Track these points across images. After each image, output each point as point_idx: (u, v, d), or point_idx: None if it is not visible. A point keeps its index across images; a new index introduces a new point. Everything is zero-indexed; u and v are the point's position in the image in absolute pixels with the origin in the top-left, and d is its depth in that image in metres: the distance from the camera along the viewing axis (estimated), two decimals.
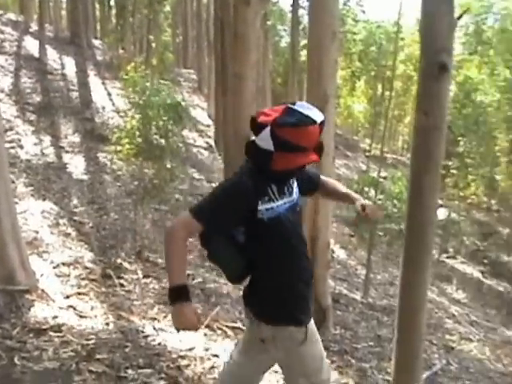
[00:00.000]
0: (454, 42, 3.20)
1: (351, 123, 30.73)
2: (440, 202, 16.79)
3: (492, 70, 19.48)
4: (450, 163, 18.01)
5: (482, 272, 13.85)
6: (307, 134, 2.05)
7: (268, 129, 2.03)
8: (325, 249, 5.59)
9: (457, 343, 7.42)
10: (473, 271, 13.68)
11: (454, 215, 15.37)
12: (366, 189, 12.10)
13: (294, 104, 2.09)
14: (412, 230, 3.24)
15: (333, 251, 7.65)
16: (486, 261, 14.52)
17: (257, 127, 2.09)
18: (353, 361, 5.12)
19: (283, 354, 2.29)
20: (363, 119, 29.68)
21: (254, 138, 2.12)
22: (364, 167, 20.94)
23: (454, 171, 17.76)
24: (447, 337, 7.60)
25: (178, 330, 2.11)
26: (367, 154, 23.26)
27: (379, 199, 10.77)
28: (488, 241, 16.00)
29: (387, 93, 27.11)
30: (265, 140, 2.05)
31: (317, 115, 2.07)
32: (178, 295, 2.06)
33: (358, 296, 8.65)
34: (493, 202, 19.57)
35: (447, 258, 13.83)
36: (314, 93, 5.26)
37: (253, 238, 2.21)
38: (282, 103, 2.13)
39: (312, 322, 2.33)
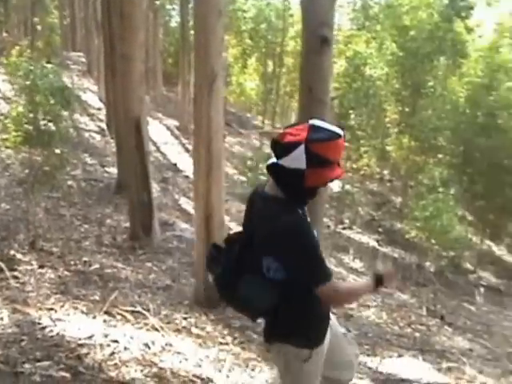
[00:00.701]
0: (343, 18, 3.13)
1: (244, 101, 30.76)
2: None
3: (380, 45, 20.04)
4: None
5: (377, 240, 14.37)
6: (337, 148, 2.15)
7: (302, 146, 2.08)
8: (220, 227, 5.64)
9: (355, 311, 7.64)
10: (368, 240, 14.18)
11: (348, 187, 15.79)
12: (261, 165, 12.14)
13: (311, 121, 2.16)
14: None
15: (229, 228, 7.58)
16: (380, 229, 15.08)
17: (285, 148, 2.12)
18: (254, 336, 5.13)
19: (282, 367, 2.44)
20: (255, 96, 29.82)
21: (278, 160, 2.16)
22: (258, 144, 21.16)
23: (347, 144, 18.21)
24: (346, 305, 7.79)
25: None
26: (260, 130, 23.52)
27: None
28: (382, 210, 16.63)
29: (278, 69, 27.57)
30: (297, 159, 2.09)
31: (339, 130, 2.17)
32: (377, 283, 2.29)
33: None
34: (385, 172, 20.31)
35: (343, 228, 14.22)
36: (202, 71, 5.28)
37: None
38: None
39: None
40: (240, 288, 2.27)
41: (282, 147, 2.14)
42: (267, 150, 12.76)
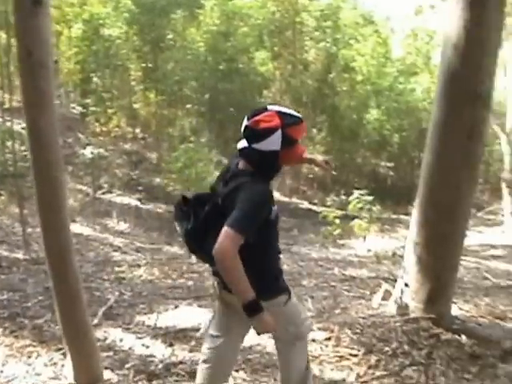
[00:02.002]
0: None
1: None
2: (86, 140, 16.78)
3: (117, 4, 19.56)
4: (88, 101, 17.98)
5: (139, 199, 14.40)
6: (303, 129, 2.62)
7: (279, 131, 2.47)
8: None
9: (127, 272, 7.64)
10: (130, 201, 14.12)
11: (101, 150, 15.47)
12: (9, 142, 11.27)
13: (273, 107, 2.55)
14: (40, 173, 3.06)
15: None
16: (140, 188, 15.10)
17: (263, 134, 2.48)
18: (26, 321, 4.93)
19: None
20: None
21: (252, 145, 2.51)
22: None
23: (94, 108, 17.80)
24: (117, 269, 7.76)
25: (260, 334, 2.55)
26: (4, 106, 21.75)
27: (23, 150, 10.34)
28: (139, 168, 16.64)
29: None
30: (273, 142, 2.48)
31: (299, 114, 2.60)
32: (257, 306, 2.41)
33: (20, 254, 8.24)
34: (137, 130, 20.25)
35: (103, 193, 13.97)
36: None
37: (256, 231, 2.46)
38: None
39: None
40: (206, 246, 2.41)
41: (258, 133, 2.48)
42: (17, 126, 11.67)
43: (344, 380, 3.91)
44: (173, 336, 4.79)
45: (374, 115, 22.21)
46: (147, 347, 4.51)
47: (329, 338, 4.60)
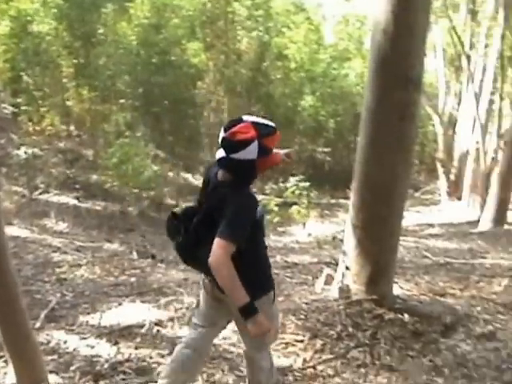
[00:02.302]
0: None
1: None
2: (19, 140, 16.35)
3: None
4: (19, 100, 17.50)
5: (77, 198, 14.14)
6: (277, 138, 2.79)
7: (256, 142, 2.64)
8: None
9: (68, 273, 7.54)
10: (68, 200, 13.83)
11: (35, 150, 15.11)
12: None
13: (247, 118, 2.73)
14: None
15: None
16: (77, 186, 14.83)
17: (240, 145, 2.64)
18: None
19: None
20: None
21: (230, 155, 2.68)
22: None
23: (25, 107, 17.34)
24: (57, 270, 7.64)
25: (257, 336, 2.69)
26: None
27: None
28: (75, 166, 16.31)
29: None
30: (250, 152, 2.65)
31: (273, 123, 2.80)
32: (252, 309, 2.59)
33: None
34: (71, 128, 19.80)
35: (40, 194, 13.67)
36: None
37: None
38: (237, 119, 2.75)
39: None
40: (200, 256, 2.65)
41: (235, 144, 2.65)
42: None
43: (291, 366, 4.03)
44: (118, 334, 4.77)
45: (309, 102, 22.53)
46: (92, 347, 4.48)
47: None
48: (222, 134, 2.72)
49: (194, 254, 2.81)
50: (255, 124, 2.70)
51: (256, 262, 2.92)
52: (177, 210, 3.06)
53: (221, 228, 2.59)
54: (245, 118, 2.74)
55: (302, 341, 4.48)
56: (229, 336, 4.53)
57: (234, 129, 2.68)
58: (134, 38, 19.39)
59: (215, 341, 4.25)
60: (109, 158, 13.90)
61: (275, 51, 23.23)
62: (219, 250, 2.53)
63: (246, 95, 23.18)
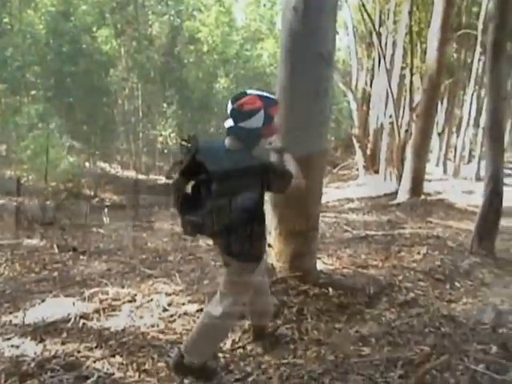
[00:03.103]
0: None
1: None
2: None
3: None
4: None
5: None
6: (278, 108, 3.18)
7: (262, 111, 2.99)
8: None
9: None
10: None
11: None
12: None
13: (252, 91, 3.05)
14: None
15: None
16: None
17: (248, 114, 2.98)
18: None
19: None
20: None
21: (238, 124, 3.02)
22: None
23: None
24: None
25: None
26: None
27: None
28: None
29: None
30: (257, 120, 3.00)
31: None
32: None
33: None
34: None
35: None
36: None
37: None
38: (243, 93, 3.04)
39: None
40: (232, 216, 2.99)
41: (244, 114, 2.99)
42: None
43: (220, 348, 4.01)
44: (43, 331, 4.63)
45: (223, 84, 22.67)
46: (17, 347, 4.33)
47: (201, 310, 4.67)
48: (229, 106, 3.03)
49: (227, 216, 3.02)
50: (259, 96, 3.02)
51: (263, 224, 3.29)
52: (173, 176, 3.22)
53: (283, 169, 3.24)
54: (249, 91, 3.05)
55: None
56: (157, 323, 4.53)
57: (242, 100, 3.00)
58: (42, 27, 18.90)
59: (143, 329, 4.33)
60: (22, 152, 13.58)
61: (187, 35, 23.21)
62: (298, 180, 3.20)
63: (160, 80, 23.11)
